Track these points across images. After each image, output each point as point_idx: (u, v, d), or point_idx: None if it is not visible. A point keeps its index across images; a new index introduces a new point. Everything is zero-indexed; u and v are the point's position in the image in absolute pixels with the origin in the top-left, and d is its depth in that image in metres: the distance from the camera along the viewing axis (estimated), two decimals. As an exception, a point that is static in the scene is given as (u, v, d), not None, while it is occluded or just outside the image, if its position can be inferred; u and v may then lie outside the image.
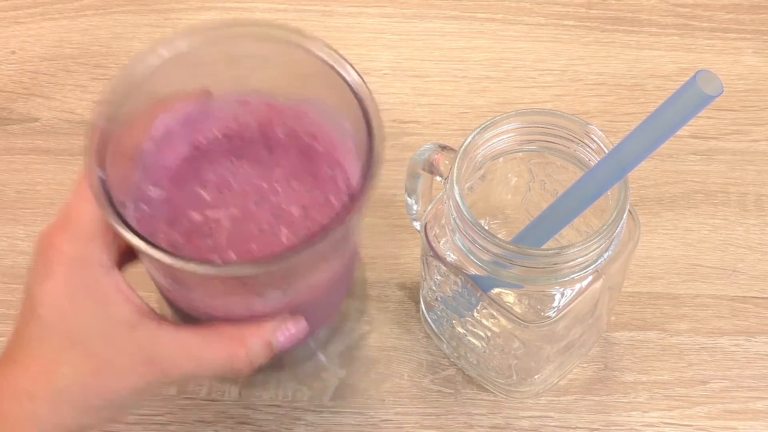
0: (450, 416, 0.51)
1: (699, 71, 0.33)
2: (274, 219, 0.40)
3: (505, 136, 0.44)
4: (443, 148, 0.45)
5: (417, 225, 0.50)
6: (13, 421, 0.35)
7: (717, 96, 0.33)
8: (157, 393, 0.49)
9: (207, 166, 0.41)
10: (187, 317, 0.40)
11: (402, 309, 0.54)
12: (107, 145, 0.36)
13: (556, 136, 0.43)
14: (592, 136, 0.42)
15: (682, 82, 0.35)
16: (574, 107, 0.62)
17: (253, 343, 0.37)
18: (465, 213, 0.40)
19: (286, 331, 0.38)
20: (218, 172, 0.41)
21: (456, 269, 0.44)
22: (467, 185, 0.45)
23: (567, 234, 0.46)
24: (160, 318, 0.37)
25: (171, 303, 0.41)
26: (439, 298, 0.49)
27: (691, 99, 0.34)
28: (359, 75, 0.37)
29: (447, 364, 0.52)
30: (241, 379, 0.52)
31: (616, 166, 0.38)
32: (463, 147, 0.42)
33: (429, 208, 0.46)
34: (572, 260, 0.40)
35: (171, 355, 0.36)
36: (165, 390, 0.51)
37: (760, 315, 0.53)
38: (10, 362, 0.36)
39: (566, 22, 0.66)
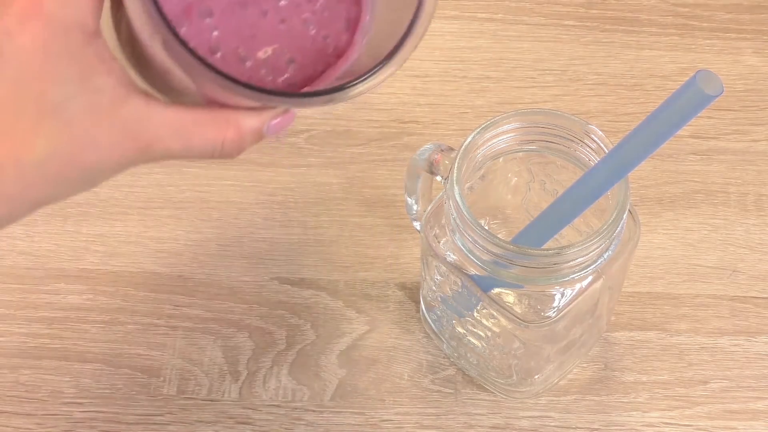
0: (450, 416, 0.51)
1: (699, 71, 0.33)
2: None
3: (505, 136, 0.44)
4: (443, 148, 0.45)
5: (417, 225, 0.50)
6: None
7: (717, 96, 0.33)
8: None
9: None
10: (168, 92, 0.37)
11: (402, 309, 0.54)
12: None
13: (556, 136, 0.43)
14: (592, 136, 0.42)
15: (682, 82, 0.35)
16: (574, 107, 0.62)
17: (247, 127, 0.35)
18: (465, 213, 0.40)
19: (279, 118, 0.36)
20: None
21: (456, 269, 0.44)
22: (467, 185, 0.45)
23: (567, 234, 0.46)
24: (148, 95, 0.34)
25: (152, 81, 0.37)
26: (439, 298, 0.49)
27: (691, 99, 0.34)
28: None
29: (447, 364, 0.52)
30: (241, 379, 0.52)
31: (616, 166, 0.38)
32: (463, 147, 0.42)
33: (429, 208, 0.46)
34: (572, 260, 0.40)
35: (159, 133, 0.34)
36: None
37: (760, 315, 0.53)
38: None
39: (566, 22, 0.66)
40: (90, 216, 0.58)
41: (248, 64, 0.37)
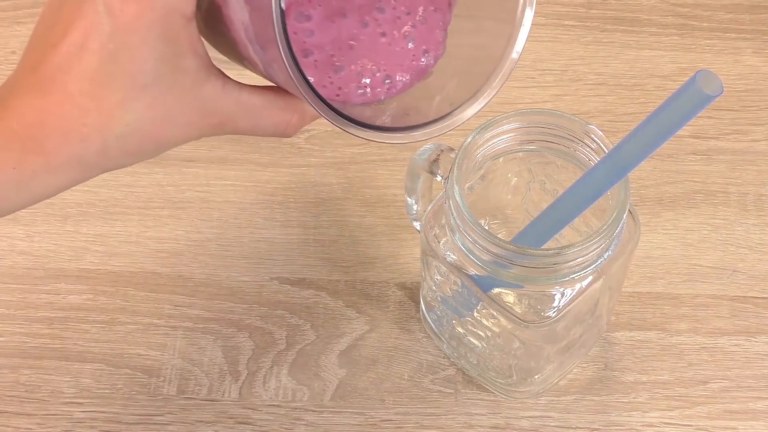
0: (450, 416, 0.51)
1: (699, 71, 0.33)
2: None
3: (505, 136, 0.44)
4: (443, 148, 0.45)
5: (417, 225, 0.50)
6: (57, 160, 0.34)
7: (717, 96, 0.33)
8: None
9: None
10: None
11: (402, 309, 0.54)
12: None
13: (556, 136, 0.43)
14: (592, 136, 0.42)
15: (682, 82, 0.35)
16: (574, 107, 0.62)
17: (309, 115, 0.37)
18: (465, 213, 0.40)
19: None
20: None
21: (456, 269, 0.44)
22: (467, 185, 0.45)
23: (567, 234, 0.46)
24: (225, 75, 0.36)
25: (217, 45, 0.38)
26: (439, 298, 0.49)
27: (691, 99, 0.34)
28: None
29: (447, 364, 0.52)
30: (241, 379, 0.52)
31: (616, 166, 0.38)
32: (463, 147, 0.42)
33: (429, 208, 0.46)
34: (572, 260, 0.40)
35: (232, 113, 0.36)
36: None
37: (760, 315, 0.53)
38: (65, 95, 0.34)
39: (566, 22, 0.66)
40: (90, 216, 0.58)
41: (342, 74, 0.37)
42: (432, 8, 0.38)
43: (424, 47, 0.38)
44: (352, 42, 0.37)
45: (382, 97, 0.38)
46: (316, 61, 0.37)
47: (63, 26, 0.33)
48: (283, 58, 0.31)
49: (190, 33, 0.34)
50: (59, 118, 0.33)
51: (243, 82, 0.36)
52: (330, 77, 0.37)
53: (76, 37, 0.33)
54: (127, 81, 0.33)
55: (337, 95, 0.37)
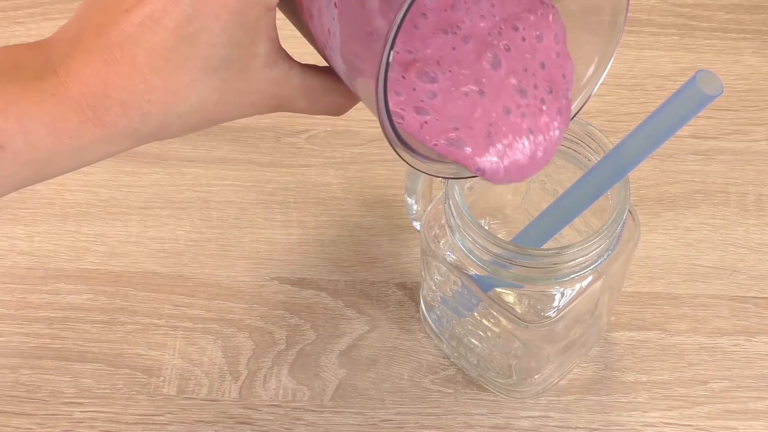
0: (450, 416, 0.51)
1: (699, 71, 0.33)
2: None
3: (505, 136, 0.43)
4: (443, 148, 0.45)
5: (417, 225, 0.50)
6: (113, 132, 0.33)
7: (717, 96, 0.33)
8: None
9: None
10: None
11: (402, 309, 0.54)
12: None
13: (556, 136, 0.43)
14: (592, 136, 0.42)
15: (682, 82, 0.35)
16: (574, 107, 0.62)
17: (359, 98, 0.37)
18: (465, 213, 0.40)
19: None
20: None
21: (456, 269, 0.44)
22: (467, 185, 0.45)
23: (567, 234, 0.47)
24: (291, 58, 0.36)
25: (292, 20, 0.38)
26: (439, 298, 0.49)
27: (691, 99, 0.34)
28: None
29: (447, 364, 0.52)
30: (241, 379, 0.52)
31: (617, 165, 0.38)
32: (463, 147, 0.42)
33: (429, 208, 0.46)
34: (572, 260, 0.40)
35: (293, 95, 0.36)
36: (164, 392, 0.51)
37: (760, 315, 0.53)
38: (133, 68, 0.33)
39: (566, 22, 0.66)
40: (90, 216, 0.58)
41: (454, 145, 0.36)
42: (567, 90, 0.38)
43: (556, 132, 0.38)
44: (489, 128, 0.36)
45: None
46: (426, 122, 0.36)
47: None
48: (379, 116, 0.31)
49: (269, 20, 0.34)
50: (124, 91, 0.33)
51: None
52: (436, 141, 0.36)
53: (152, 10, 0.32)
54: (199, 63, 0.33)
55: (435, 145, 0.36)
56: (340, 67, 0.35)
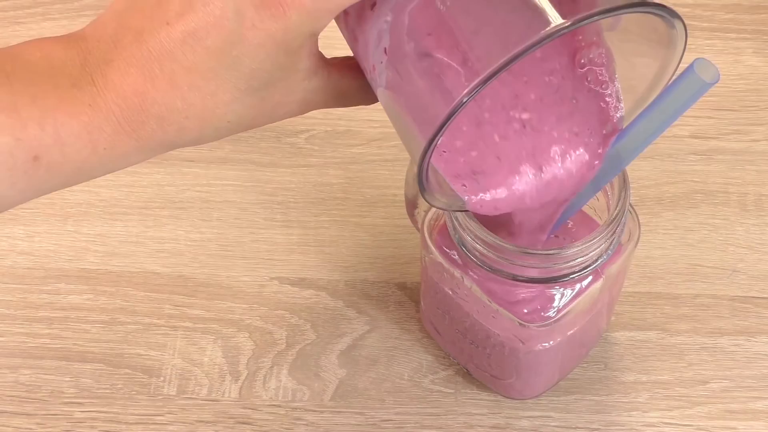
0: (450, 416, 0.51)
1: (696, 59, 0.34)
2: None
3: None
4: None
5: (417, 225, 0.50)
6: (149, 145, 0.33)
7: (715, 83, 0.33)
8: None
9: None
10: None
11: (402, 309, 0.54)
12: None
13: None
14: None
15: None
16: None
17: None
18: (465, 213, 0.40)
19: None
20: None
21: (456, 269, 0.44)
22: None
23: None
24: (329, 65, 0.36)
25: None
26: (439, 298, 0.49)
27: (689, 86, 0.34)
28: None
29: (447, 364, 0.52)
30: (241, 379, 0.52)
31: (617, 155, 0.38)
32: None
33: (429, 208, 0.46)
34: (572, 260, 0.40)
35: (327, 99, 0.37)
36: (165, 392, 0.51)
37: (760, 315, 0.53)
38: (172, 85, 0.32)
39: (566, 22, 0.66)
40: (90, 216, 0.58)
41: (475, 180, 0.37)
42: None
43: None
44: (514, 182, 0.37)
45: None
46: (444, 152, 0.37)
47: (181, 6, 0.31)
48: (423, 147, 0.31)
49: (313, 43, 0.34)
50: (161, 107, 0.32)
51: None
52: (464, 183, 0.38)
53: (194, 29, 0.31)
54: (240, 84, 0.33)
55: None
56: (377, 91, 0.35)
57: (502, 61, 0.29)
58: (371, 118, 0.62)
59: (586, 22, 0.29)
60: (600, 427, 0.50)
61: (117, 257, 0.56)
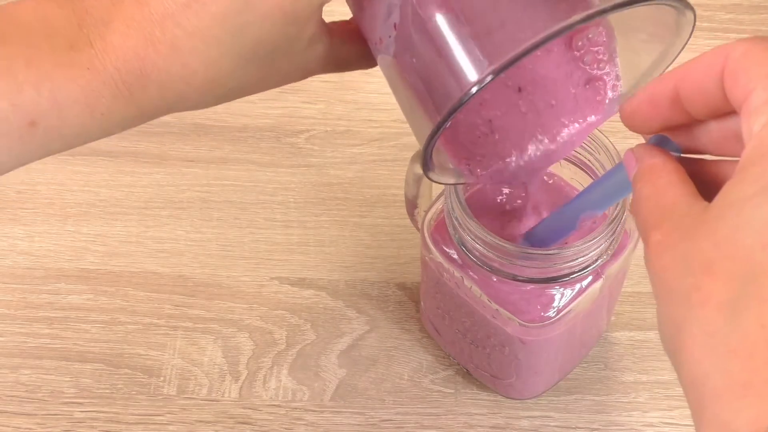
0: (450, 416, 0.51)
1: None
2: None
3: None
4: (443, 148, 0.45)
5: (417, 225, 0.50)
6: (148, 111, 0.33)
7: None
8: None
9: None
10: None
11: (402, 309, 0.54)
12: None
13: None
14: (592, 136, 0.42)
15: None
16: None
17: None
18: (465, 213, 0.40)
19: None
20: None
21: (456, 269, 0.44)
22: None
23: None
24: (330, 31, 0.36)
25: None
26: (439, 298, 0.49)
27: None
28: None
29: (447, 364, 0.52)
30: (241, 379, 0.52)
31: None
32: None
33: (429, 208, 0.46)
34: (572, 260, 0.40)
35: (327, 66, 0.37)
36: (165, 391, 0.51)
37: (760, 315, 0.53)
38: (175, 50, 0.31)
39: (566, 22, 0.66)
40: (90, 216, 0.58)
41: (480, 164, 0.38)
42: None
43: None
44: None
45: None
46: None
47: None
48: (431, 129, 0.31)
49: (320, 13, 0.34)
50: (162, 73, 0.31)
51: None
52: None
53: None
54: (244, 53, 0.32)
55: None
56: (379, 60, 0.35)
57: (535, 39, 0.27)
58: (371, 118, 0.62)
59: (627, 8, 0.27)
60: (600, 427, 0.50)
61: (117, 257, 0.56)
